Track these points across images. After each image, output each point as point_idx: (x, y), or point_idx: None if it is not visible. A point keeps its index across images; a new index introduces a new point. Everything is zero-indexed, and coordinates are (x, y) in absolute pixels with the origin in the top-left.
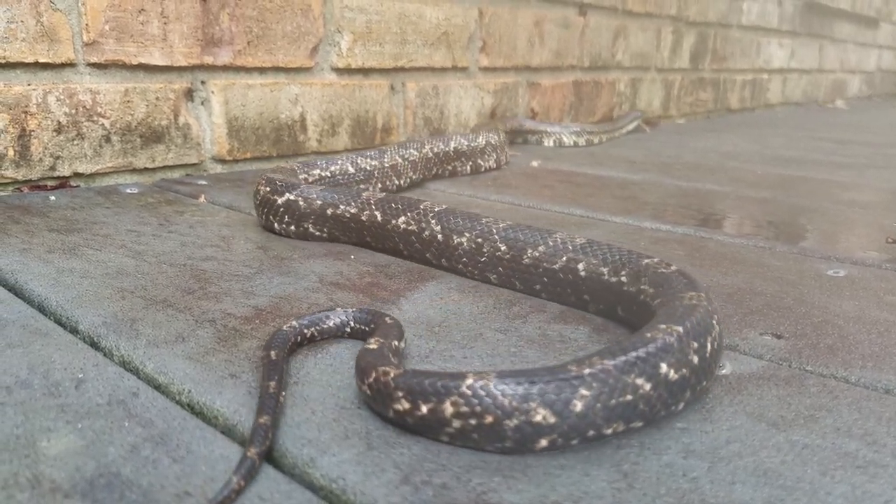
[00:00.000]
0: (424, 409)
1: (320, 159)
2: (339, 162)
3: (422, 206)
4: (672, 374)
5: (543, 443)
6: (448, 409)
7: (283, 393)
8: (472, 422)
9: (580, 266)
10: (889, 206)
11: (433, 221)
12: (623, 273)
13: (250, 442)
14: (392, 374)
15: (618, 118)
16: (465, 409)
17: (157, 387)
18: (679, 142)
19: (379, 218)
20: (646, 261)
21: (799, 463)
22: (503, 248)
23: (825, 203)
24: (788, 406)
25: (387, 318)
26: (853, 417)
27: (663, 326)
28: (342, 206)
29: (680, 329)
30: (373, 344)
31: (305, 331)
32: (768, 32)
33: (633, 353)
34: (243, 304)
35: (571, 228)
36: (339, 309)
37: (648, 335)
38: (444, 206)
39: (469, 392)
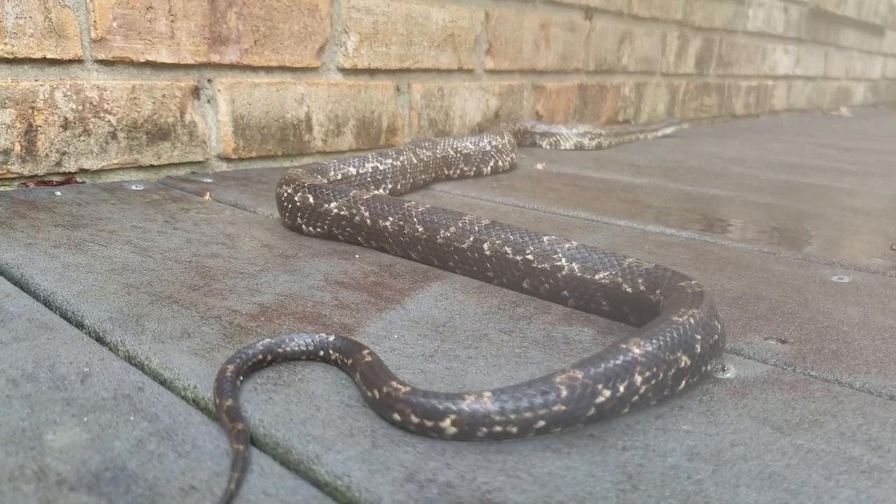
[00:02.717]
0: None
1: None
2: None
3: (351, 194)
4: None
5: None
6: None
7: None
8: None
9: (485, 245)
10: (893, 214)
11: (363, 208)
12: (528, 252)
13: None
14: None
15: (654, 122)
16: None
17: (163, 382)
18: (684, 147)
19: (312, 201)
20: (546, 238)
21: (803, 467)
22: (420, 229)
23: (829, 209)
24: (793, 410)
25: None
26: (857, 422)
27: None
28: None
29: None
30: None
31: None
32: (774, 39)
33: None
34: (248, 301)
35: (576, 232)
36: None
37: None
38: (372, 194)
39: None
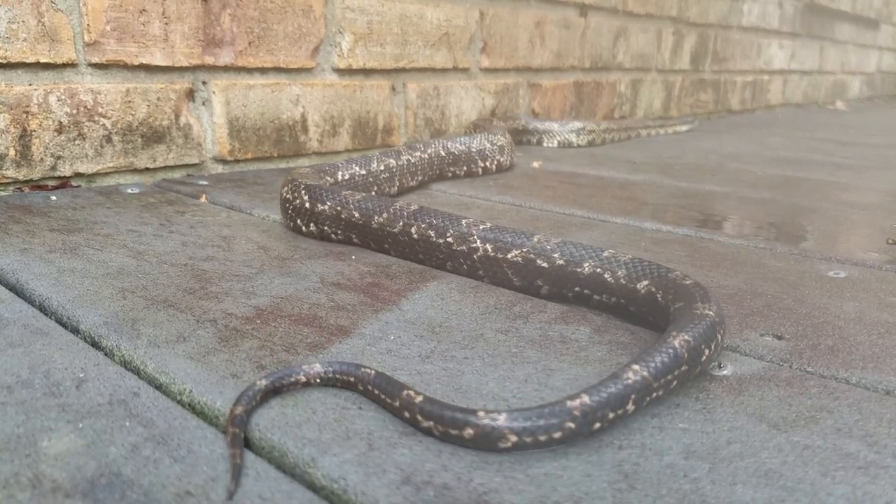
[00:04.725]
0: None
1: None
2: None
3: (295, 180)
4: None
5: None
6: None
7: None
8: None
9: (413, 230)
10: (889, 208)
11: (303, 192)
12: (449, 235)
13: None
14: None
15: (669, 119)
16: None
17: (158, 386)
18: (680, 143)
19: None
20: (464, 220)
21: (800, 464)
22: (357, 215)
23: (825, 204)
24: (789, 407)
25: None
26: (854, 418)
27: None
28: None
29: None
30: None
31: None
32: (769, 34)
33: None
34: (244, 304)
35: (572, 230)
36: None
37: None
38: (310, 182)
39: None
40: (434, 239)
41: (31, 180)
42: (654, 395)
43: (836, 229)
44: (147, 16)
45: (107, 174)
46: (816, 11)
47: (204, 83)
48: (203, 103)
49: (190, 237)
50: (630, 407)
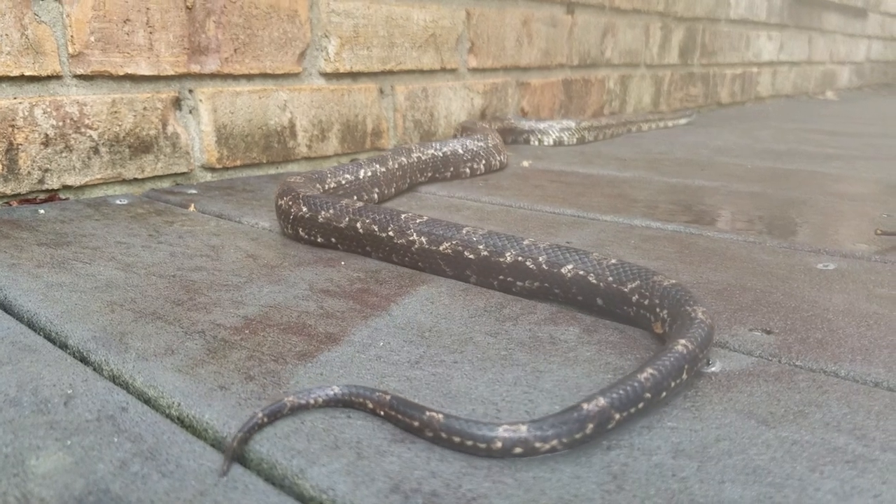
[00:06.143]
0: None
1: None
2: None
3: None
4: None
5: None
6: None
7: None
8: None
9: (358, 224)
10: (878, 198)
11: (285, 196)
12: (390, 229)
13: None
14: None
15: (669, 112)
16: None
17: (147, 401)
18: (669, 138)
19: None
20: (404, 215)
21: (788, 459)
22: (304, 209)
23: (815, 195)
24: (778, 402)
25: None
26: (842, 412)
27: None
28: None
29: None
30: None
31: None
32: (757, 26)
33: None
34: (233, 314)
35: (562, 229)
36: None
37: None
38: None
39: None
40: (378, 233)
41: (19, 194)
42: None
43: (826, 221)
44: (131, 25)
45: (95, 186)
46: (804, 2)
47: (190, 91)
48: (190, 112)
49: (178, 247)
50: None
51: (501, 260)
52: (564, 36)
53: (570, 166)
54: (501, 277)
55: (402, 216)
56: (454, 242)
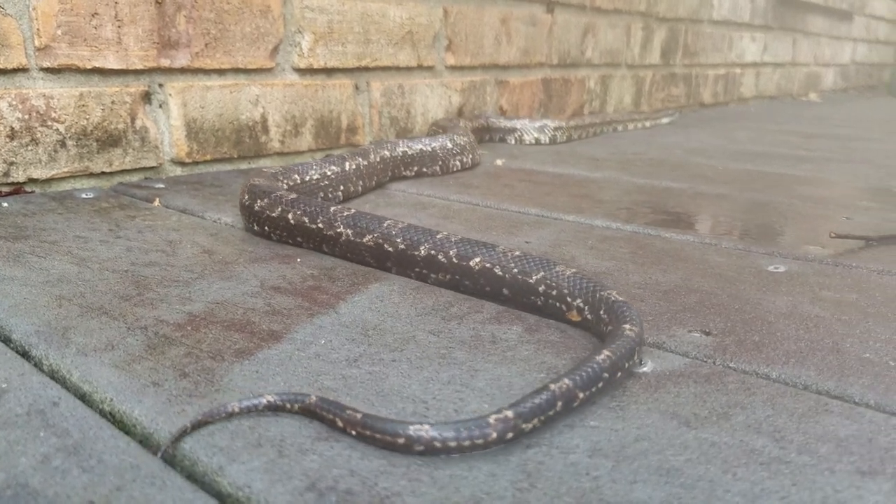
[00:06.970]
0: None
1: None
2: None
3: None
4: None
5: None
6: None
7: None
8: None
9: (289, 216)
10: (842, 202)
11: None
12: (320, 221)
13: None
14: None
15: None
16: None
17: (81, 396)
18: (647, 138)
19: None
20: (333, 208)
21: (702, 461)
22: (247, 198)
23: (780, 198)
24: (704, 403)
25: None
26: (766, 414)
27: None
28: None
29: None
30: None
31: None
32: (740, 27)
33: None
34: (178, 310)
35: (524, 228)
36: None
37: None
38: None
39: None
40: (308, 224)
41: None
42: None
43: (784, 223)
44: (99, 19)
45: (62, 179)
46: (788, 4)
47: (160, 85)
48: (160, 106)
49: (136, 242)
50: None
51: (416, 253)
52: (544, 35)
53: (543, 166)
54: (417, 269)
55: (332, 209)
56: (375, 235)
